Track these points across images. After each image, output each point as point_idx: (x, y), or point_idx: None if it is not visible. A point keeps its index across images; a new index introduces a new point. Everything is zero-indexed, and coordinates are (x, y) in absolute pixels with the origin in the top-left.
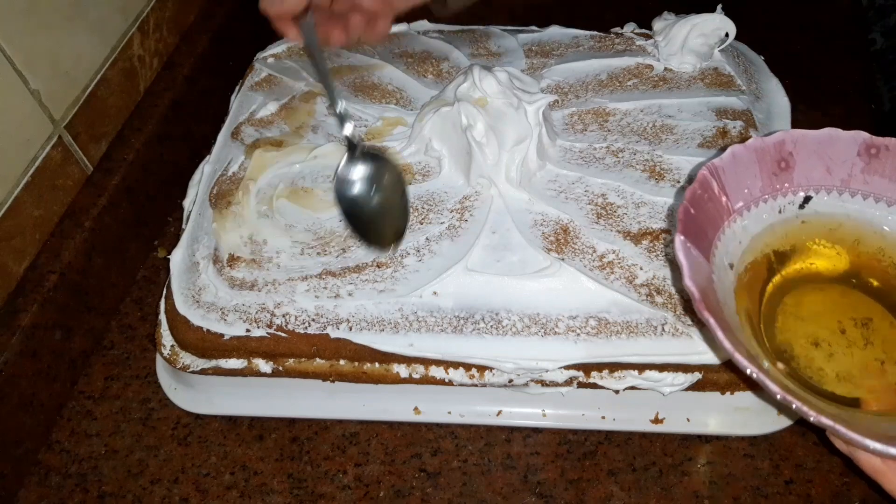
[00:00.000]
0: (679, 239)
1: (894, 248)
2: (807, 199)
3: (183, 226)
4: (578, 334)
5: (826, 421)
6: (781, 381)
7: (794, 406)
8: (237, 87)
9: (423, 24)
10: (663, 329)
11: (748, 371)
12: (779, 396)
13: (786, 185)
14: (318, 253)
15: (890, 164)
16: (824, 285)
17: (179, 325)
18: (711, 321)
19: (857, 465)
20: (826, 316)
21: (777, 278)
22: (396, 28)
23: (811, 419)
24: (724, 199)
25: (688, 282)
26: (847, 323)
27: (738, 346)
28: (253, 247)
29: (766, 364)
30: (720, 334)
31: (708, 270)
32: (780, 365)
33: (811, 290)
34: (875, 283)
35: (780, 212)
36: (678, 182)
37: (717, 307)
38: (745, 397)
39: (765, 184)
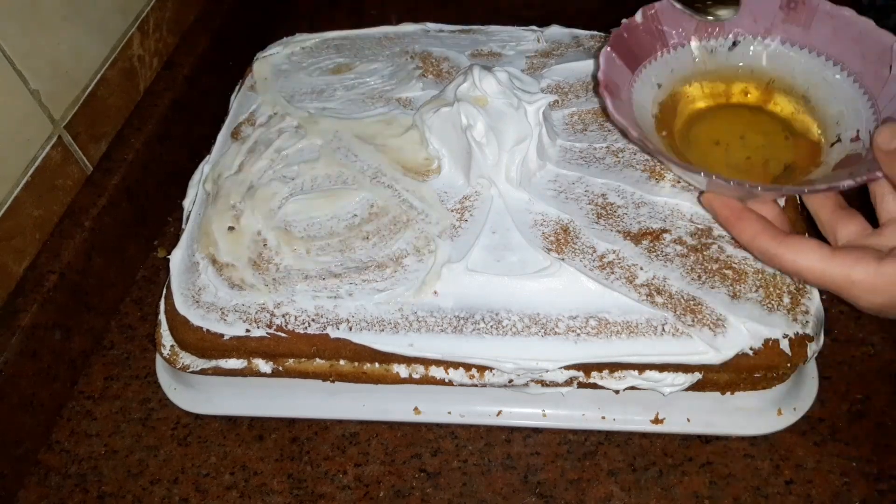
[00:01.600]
0: (606, 49)
1: (802, 85)
2: (735, 43)
3: (183, 226)
4: (578, 334)
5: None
6: (663, 150)
7: (674, 166)
8: (237, 87)
9: (424, 25)
10: (663, 329)
11: (624, 126)
12: (650, 147)
13: (717, 29)
14: (318, 253)
15: (804, 15)
16: (742, 110)
17: (179, 325)
18: (606, 96)
19: (714, 216)
20: (734, 126)
21: (703, 104)
22: (397, 28)
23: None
24: (659, 32)
25: (600, 74)
26: (749, 132)
27: (627, 117)
28: (254, 247)
29: (658, 139)
30: (608, 101)
31: (629, 78)
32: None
33: (730, 112)
34: (781, 112)
35: (711, 52)
36: (678, 182)
37: (628, 106)
38: (746, 397)
39: (698, 26)
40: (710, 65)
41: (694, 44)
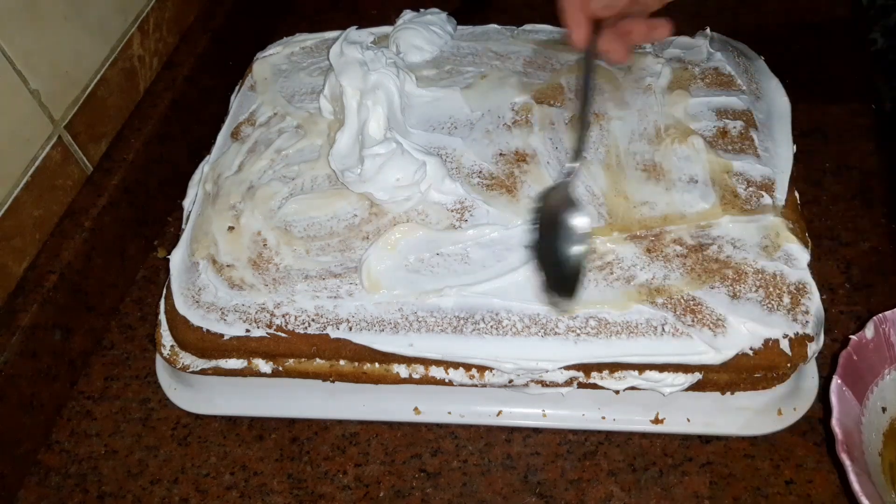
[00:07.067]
0: (836, 382)
1: None
2: None
3: (183, 226)
4: (578, 334)
5: None
6: None
7: None
8: (237, 87)
9: None
10: (663, 329)
11: None
12: None
13: None
14: (318, 253)
15: None
16: None
17: (179, 325)
18: (847, 463)
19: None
20: None
21: None
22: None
23: None
24: (888, 348)
25: (834, 423)
26: None
27: (867, 488)
28: (253, 247)
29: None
30: (853, 477)
31: (858, 412)
32: None
33: None
34: None
35: None
36: (680, 182)
37: (860, 449)
38: (746, 397)
39: None
40: None
41: None
